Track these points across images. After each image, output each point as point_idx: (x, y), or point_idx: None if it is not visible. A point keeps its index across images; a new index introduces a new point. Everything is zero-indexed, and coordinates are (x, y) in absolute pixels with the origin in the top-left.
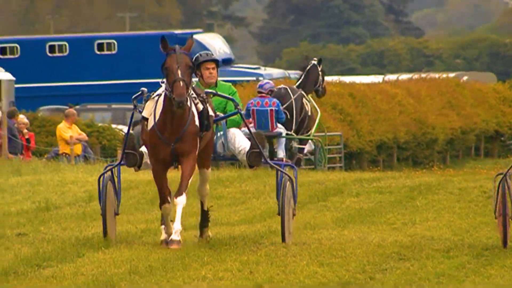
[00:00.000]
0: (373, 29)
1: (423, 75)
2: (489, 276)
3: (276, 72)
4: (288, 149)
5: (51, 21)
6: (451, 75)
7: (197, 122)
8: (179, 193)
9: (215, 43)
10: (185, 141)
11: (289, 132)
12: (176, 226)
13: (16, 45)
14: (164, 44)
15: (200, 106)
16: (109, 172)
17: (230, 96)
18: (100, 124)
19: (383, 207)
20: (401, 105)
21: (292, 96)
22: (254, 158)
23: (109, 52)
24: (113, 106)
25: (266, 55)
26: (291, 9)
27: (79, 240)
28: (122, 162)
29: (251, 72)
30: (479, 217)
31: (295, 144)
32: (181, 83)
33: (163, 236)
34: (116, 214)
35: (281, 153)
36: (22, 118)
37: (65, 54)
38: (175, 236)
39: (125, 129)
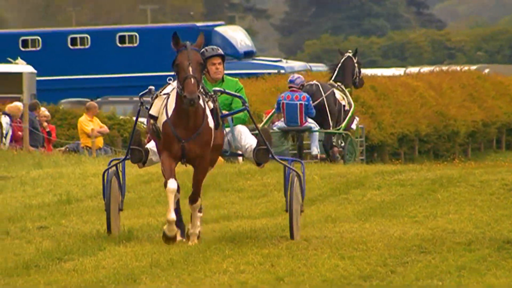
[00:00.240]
0: (395, 21)
1: (445, 68)
2: (511, 269)
3: (297, 64)
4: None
5: (72, 13)
6: (473, 67)
7: (211, 124)
8: (194, 200)
9: (237, 36)
10: (198, 143)
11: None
12: (194, 229)
13: (38, 37)
14: (176, 41)
15: (211, 104)
16: (114, 167)
17: (238, 94)
18: (121, 117)
19: (404, 200)
20: (423, 98)
21: (323, 93)
22: (262, 155)
23: (130, 45)
24: (135, 98)
25: (287, 47)
26: (312, 1)
27: (100, 233)
28: (127, 158)
29: (272, 65)
30: (500, 210)
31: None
32: (193, 80)
33: (168, 229)
34: (120, 210)
35: (315, 150)
36: (43, 111)
37: (87, 46)
38: (194, 237)
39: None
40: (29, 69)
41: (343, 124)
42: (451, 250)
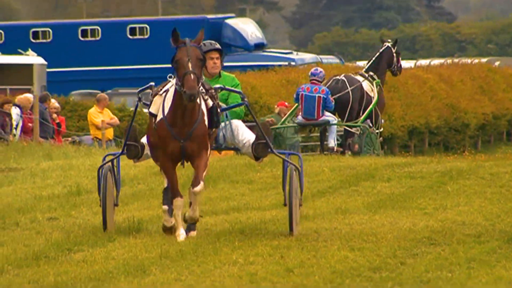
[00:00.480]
0: (405, 14)
1: (455, 60)
2: None
3: (308, 57)
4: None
5: (83, 5)
6: (483, 60)
7: (206, 122)
8: (196, 183)
9: (248, 28)
10: (195, 140)
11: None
12: (193, 214)
13: (49, 29)
14: (175, 37)
15: (210, 102)
16: (109, 163)
17: (237, 90)
18: (131, 109)
19: (414, 192)
20: (433, 90)
21: (348, 87)
22: (261, 149)
23: (141, 37)
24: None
25: (298, 39)
26: None
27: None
28: (123, 153)
29: (283, 57)
30: (510, 202)
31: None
32: (192, 75)
33: (166, 220)
34: (116, 205)
35: (331, 142)
36: (53, 102)
37: (97, 38)
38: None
39: None
40: (40, 60)
41: (362, 117)
42: (460, 242)
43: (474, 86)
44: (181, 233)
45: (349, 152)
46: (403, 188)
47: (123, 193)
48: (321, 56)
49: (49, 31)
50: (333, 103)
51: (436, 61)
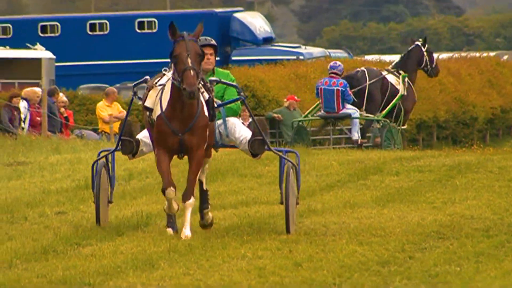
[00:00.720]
0: (413, 8)
1: (463, 54)
2: None
3: (316, 51)
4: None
5: None
6: (492, 54)
7: (206, 113)
8: (186, 197)
9: (256, 22)
10: (195, 133)
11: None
12: (186, 232)
13: (57, 23)
14: (173, 31)
15: (206, 95)
16: (104, 159)
17: (233, 83)
18: (140, 103)
19: (422, 186)
20: (441, 84)
21: (367, 79)
22: (258, 146)
23: (149, 31)
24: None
25: (306, 33)
26: None
27: (118, 218)
28: (118, 149)
29: (291, 51)
30: None
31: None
32: (192, 72)
33: (169, 232)
34: (110, 202)
35: (355, 135)
36: (61, 96)
37: (106, 32)
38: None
39: None
40: (48, 54)
41: (384, 112)
42: (469, 236)
43: (482, 79)
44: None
45: (367, 144)
46: (412, 182)
47: (132, 187)
48: (330, 50)
49: (57, 25)
50: (352, 96)
51: (444, 55)
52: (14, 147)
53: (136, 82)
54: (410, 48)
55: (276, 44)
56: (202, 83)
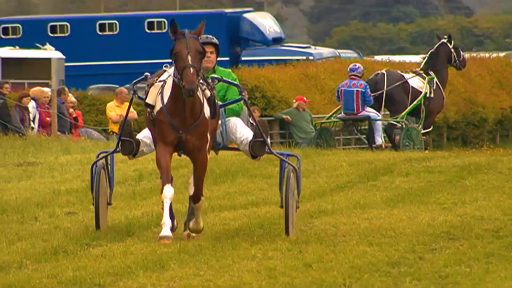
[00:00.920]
0: (423, 8)
1: (473, 55)
2: None
3: (326, 51)
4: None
5: None
6: (501, 54)
7: (207, 114)
8: (196, 199)
9: (266, 22)
10: (196, 135)
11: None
12: (198, 225)
13: (67, 23)
14: (174, 28)
15: (208, 93)
16: (103, 160)
17: (235, 82)
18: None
19: (432, 186)
20: (451, 85)
21: (386, 83)
22: (258, 148)
23: (159, 31)
24: None
25: (316, 34)
26: None
27: (128, 219)
28: (117, 150)
29: (301, 51)
30: None
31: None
32: (192, 69)
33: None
34: (109, 204)
35: (378, 139)
36: (70, 97)
37: (115, 32)
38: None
39: None
40: (58, 55)
41: (403, 113)
42: (479, 237)
43: (492, 80)
44: (164, 230)
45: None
46: (422, 182)
47: (142, 188)
48: (339, 51)
49: (67, 25)
50: (372, 98)
51: None
52: (24, 148)
53: (136, 80)
54: (436, 47)
55: (286, 44)
56: (203, 80)
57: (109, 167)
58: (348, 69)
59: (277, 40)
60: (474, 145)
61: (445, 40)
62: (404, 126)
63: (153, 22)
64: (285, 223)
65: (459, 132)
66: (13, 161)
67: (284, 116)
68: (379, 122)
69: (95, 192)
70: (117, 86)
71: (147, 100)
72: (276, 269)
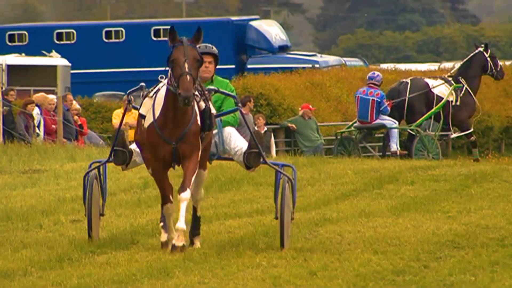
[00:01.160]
0: (429, 17)
1: None
2: None
3: (332, 59)
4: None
5: (107, 6)
6: (507, 63)
7: (199, 122)
8: (182, 189)
9: (272, 30)
10: (187, 141)
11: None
12: (180, 225)
13: (73, 30)
14: (173, 36)
15: (203, 104)
16: (96, 170)
17: (231, 93)
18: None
19: (438, 195)
20: None
21: (407, 92)
22: (253, 159)
23: (165, 39)
24: None
25: (322, 42)
26: None
27: (133, 226)
28: (110, 160)
29: (307, 59)
30: None
31: (453, 135)
32: (188, 77)
33: (163, 237)
34: (101, 214)
35: (394, 146)
36: (74, 104)
37: (122, 40)
38: (178, 242)
39: None
40: (64, 62)
41: (418, 121)
42: (484, 246)
43: (498, 89)
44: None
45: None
46: (427, 191)
47: (147, 196)
48: (345, 59)
49: (73, 33)
50: (389, 107)
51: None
52: (29, 155)
53: (131, 89)
54: (472, 55)
55: (292, 52)
56: (200, 90)
57: (102, 177)
58: (367, 76)
59: (283, 48)
60: (480, 154)
61: (481, 49)
62: (416, 134)
63: (159, 29)
64: (280, 235)
65: (465, 140)
66: (18, 168)
67: (290, 124)
68: (395, 130)
69: (87, 203)
70: (123, 93)
71: (141, 111)
72: (281, 277)
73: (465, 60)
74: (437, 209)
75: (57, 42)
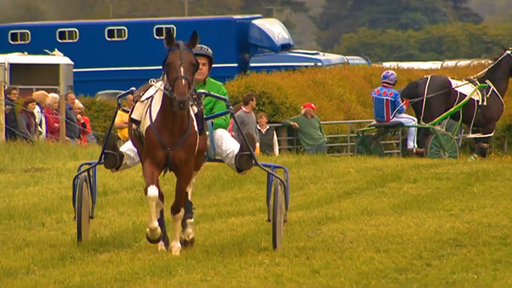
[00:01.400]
0: (432, 15)
1: (482, 62)
2: None
3: (334, 57)
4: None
5: (110, 5)
6: None
7: (196, 128)
8: (176, 210)
9: (274, 29)
10: (184, 150)
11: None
12: (176, 244)
13: (75, 29)
14: (169, 39)
15: (195, 108)
16: (85, 172)
17: (223, 96)
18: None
19: (440, 193)
20: None
21: (425, 88)
22: (245, 161)
23: None
24: None
25: (325, 40)
26: None
27: (136, 225)
28: (100, 162)
29: (309, 58)
30: None
31: (470, 135)
32: (183, 81)
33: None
34: (91, 217)
35: (410, 144)
36: (77, 103)
37: (124, 38)
38: (175, 252)
39: None
40: (66, 60)
41: (436, 120)
42: (486, 244)
43: None
44: (152, 226)
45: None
46: (429, 189)
47: None
48: (348, 57)
49: (75, 31)
50: (404, 106)
51: (463, 62)
52: (32, 153)
53: (121, 93)
54: (500, 58)
55: (294, 50)
56: (195, 95)
57: (92, 179)
58: (381, 75)
59: (286, 47)
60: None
61: (509, 52)
62: (432, 133)
63: (161, 28)
64: (272, 237)
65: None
66: (21, 166)
67: (292, 123)
68: (413, 128)
69: (77, 205)
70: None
71: (133, 116)
72: (284, 275)
73: (493, 63)
74: (440, 207)
75: (60, 40)
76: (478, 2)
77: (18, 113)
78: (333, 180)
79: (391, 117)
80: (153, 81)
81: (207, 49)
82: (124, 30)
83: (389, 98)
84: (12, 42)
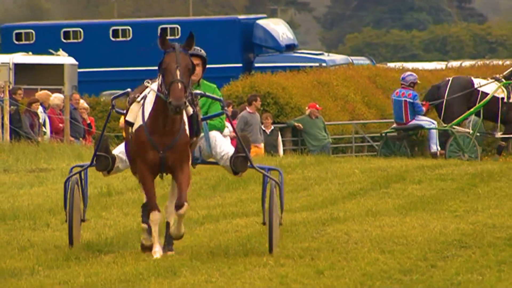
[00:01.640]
0: (436, 15)
1: (486, 62)
2: None
3: (339, 57)
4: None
5: (114, 5)
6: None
7: (187, 131)
8: (180, 204)
9: (279, 29)
10: (177, 152)
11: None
12: (179, 231)
13: (80, 29)
14: (163, 41)
15: (190, 110)
16: (77, 175)
17: (218, 97)
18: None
19: (445, 194)
20: None
21: (446, 93)
22: (240, 163)
23: (172, 37)
24: None
25: (329, 40)
26: None
27: (140, 225)
28: (92, 165)
29: (314, 58)
30: None
31: (498, 134)
32: (180, 84)
33: (147, 240)
34: (83, 220)
35: (433, 147)
36: (82, 103)
37: (129, 38)
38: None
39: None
40: (71, 60)
41: (456, 121)
42: (491, 245)
43: None
44: (157, 251)
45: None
46: (434, 190)
47: None
48: (352, 57)
49: (80, 31)
50: (424, 108)
51: (467, 63)
52: (36, 154)
53: (116, 95)
54: None
55: (299, 51)
56: (190, 97)
57: (83, 182)
58: (400, 77)
59: (290, 47)
60: (487, 153)
61: None
62: (451, 134)
63: (166, 28)
64: (268, 240)
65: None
66: (25, 167)
67: (296, 124)
68: (434, 130)
69: (68, 209)
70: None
71: (128, 118)
72: (288, 276)
73: None
74: (444, 208)
75: (64, 40)
76: (482, 2)
77: (22, 113)
78: (337, 181)
79: (410, 119)
80: (149, 82)
81: (200, 50)
82: (129, 30)
83: (408, 99)
84: (16, 42)
